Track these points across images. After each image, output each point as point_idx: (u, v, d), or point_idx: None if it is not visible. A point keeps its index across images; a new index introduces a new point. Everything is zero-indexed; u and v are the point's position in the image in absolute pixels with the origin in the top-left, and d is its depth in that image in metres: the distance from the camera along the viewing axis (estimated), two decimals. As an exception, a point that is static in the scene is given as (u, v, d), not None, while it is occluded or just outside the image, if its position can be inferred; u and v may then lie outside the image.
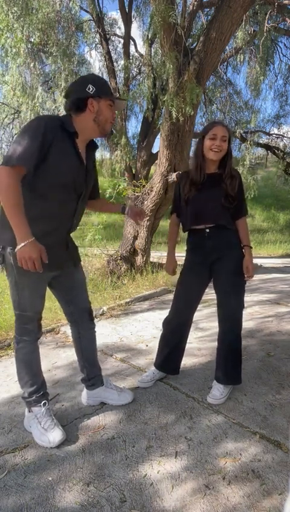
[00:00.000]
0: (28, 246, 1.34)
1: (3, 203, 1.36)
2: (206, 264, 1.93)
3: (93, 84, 1.52)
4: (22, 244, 1.34)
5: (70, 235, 1.72)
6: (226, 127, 1.86)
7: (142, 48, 7.46)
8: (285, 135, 9.29)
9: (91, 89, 1.51)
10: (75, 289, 1.77)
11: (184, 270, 2.01)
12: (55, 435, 1.59)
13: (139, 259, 5.26)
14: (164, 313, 2.13)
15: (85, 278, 1.85)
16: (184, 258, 2.05)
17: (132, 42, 7.40)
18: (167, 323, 2.07)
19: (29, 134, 1.40)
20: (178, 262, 2.10)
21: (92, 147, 1.69)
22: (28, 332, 1.66)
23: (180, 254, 2.08)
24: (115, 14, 19.97)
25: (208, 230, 1.88)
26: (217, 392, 1.91)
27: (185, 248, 2.04)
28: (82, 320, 1.82)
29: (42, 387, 1.72)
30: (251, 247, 1.94)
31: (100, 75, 8.15)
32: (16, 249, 1.35)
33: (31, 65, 6.13)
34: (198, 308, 2.03)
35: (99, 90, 1.53)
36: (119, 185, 5.37)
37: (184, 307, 2.02)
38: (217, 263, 1.91)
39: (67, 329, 3.11)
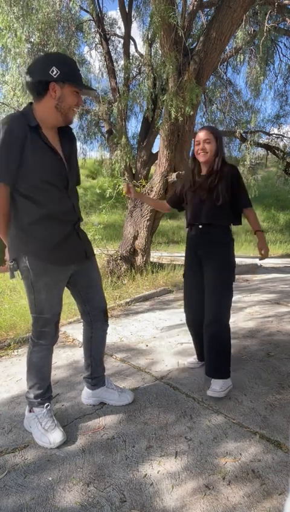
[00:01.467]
0: None
1: None
2: (197, 258, 2.07)
3: (58, 67, 1.34)
4: None
5: (81, 228, 1.69)
6: (210, 130, 2.00)
7: (142, 48, 7.45)
8: (285, 135, 9.29)
9: (55, 72, 1.34)
10: (91, 288, 1.76)
11: (184, 266, 2.19)
12: (56, 436, 1.59)
13: (139, 259, 5.26)
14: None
15: (101, 278, 1.85)
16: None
17: (131, 42, 7.39)
18: (184, 307, 2.22)
19: (1, 147, 1.35)
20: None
21: (65, 134, 1.57)
22: (45, 336, 1.64)
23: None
24: (115, 14, 19.98)
25: (200, 226, 2.04)
26: (217, 386, 1.92)
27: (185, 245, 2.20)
28: (97, 320, 1.81)
29: (48, 390, 1.72)
30: (262, 231, 2.05)
31: (100, 75, 8.16)
32: None
33: (31, 65, 6.11)
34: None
35: (64, 75, 1.36)
36: (119, 185, 5.37)
37: (189, 299, 2.16)
38: (204, 258, 2.03)
39: (67, 329, 3.11)
